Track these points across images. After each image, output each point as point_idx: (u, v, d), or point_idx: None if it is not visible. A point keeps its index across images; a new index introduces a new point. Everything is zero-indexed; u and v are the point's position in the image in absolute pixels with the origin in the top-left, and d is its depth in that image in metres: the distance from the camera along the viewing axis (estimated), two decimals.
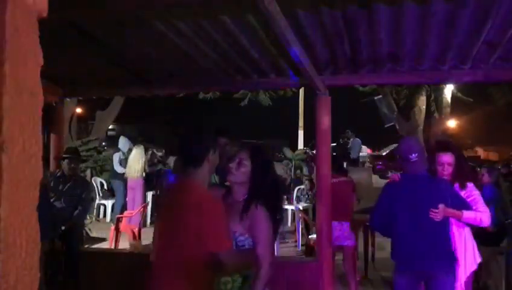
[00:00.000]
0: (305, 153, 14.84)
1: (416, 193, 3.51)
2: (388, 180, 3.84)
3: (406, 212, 3.50)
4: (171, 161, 11.96)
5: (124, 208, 9.58)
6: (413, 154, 3.50)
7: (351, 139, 19.15)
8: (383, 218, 3.63)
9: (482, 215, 3.59)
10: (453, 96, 12.18)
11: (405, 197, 3.52)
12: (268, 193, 2.49)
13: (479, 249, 4.13)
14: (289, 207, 9.20)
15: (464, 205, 3.57)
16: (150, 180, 9.97)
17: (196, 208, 2.32)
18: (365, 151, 19.36)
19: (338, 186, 5.16)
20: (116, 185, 10.00)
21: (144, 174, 9.36)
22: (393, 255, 3.62)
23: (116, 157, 10.04)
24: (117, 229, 7.16)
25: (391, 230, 3.60)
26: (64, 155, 5.27)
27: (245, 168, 2.53)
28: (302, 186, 9.89)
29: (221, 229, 2.29)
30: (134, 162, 9.34)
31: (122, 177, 9.74)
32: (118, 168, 9.87)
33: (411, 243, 3.46)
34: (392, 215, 3.56)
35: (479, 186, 6.28)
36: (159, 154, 13.45)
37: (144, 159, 9.38)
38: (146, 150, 10.21)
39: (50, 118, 5.45)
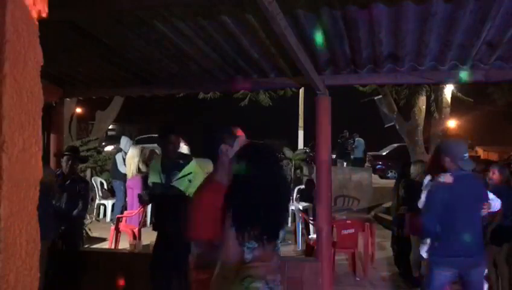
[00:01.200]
0: (305, 153, 14.84)
1: (469, 190, 3.70)
2: (436, 182, 3.80)
3: (460, 209, 3.65)
4: None
5: (124, 208, 9.57)
6: (466, 153, 3.70)
7: (356, 139, 19.21)
8: (435, 219, 3.67)
9: (496, 202, 3.98)
10: (453, 96, 12.17)
11: (460, 195, 3.65)
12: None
13: (488, 249, 4.23)
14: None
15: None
16: None
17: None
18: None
19: None
20: (117, 185, 9.99)
21: (138, 173, 9.33)
22: (439, 251, 3.69)
23: (119, 157, 10.03)
24: (117, 229, 7.16)
25: (442, 229, 3.67)
26: (63, 153, 5.27)
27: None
28: (302, 186, 9.88)
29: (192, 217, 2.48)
30: (129, 162, 9.33)
31: (123, 177, 9.73)
32: (122, 169, 9.85)
33: (462, 238, 3.61)
34: (448, 215, 3.64)
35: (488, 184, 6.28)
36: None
37: (138, 159, 9.35)
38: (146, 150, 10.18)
39: (50, 118, 5.45)
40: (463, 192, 3.65)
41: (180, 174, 4.28)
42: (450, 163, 3.67)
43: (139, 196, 4.68)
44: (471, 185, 3.74)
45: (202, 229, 2.37)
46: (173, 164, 4.31)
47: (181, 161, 4.34)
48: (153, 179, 4.40)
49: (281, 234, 2.28)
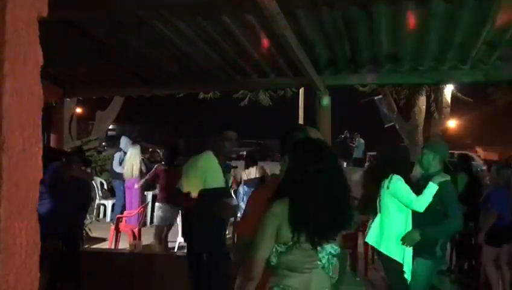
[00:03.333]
0: None
1: None
2: None
3: None
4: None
5: (124, 208, 9.57)
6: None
7: (357, 139, 19.26)
8: None
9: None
10: (453, 96, 12.17)
11: None
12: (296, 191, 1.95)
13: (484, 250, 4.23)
14: None
15: None
16: None
17: None
18: None
19: (169, 173, 6.41)
20: (116, 185, 9.98)
21: (139, 174, 9.32)
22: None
23: (117, 157, 10.02)
24: (117, 229, 7.15)
25: None
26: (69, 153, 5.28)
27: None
28: None
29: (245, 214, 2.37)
30: (129, 162, 9.33)
31: (122, 177, 9.74)
32: (117, 168, 9.85)
33: None
34: None
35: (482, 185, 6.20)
36: (161, 153, 13.42)
37: (138, 160, 9.35)
38: (147, 149, 10.17)
39: (50, 118, 5.45)
40: None
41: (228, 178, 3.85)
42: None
43: (228, 206, 3.63)
44: None
45: (246, 227, 2.21)
46: (225, 166, 3.69)
47: (232, 164, 3.95)
48: (217, 182, 3.57)
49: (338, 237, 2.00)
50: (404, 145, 4.31)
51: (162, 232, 6.46)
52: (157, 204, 6.64)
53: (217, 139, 3.61)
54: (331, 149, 2.18)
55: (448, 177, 3.62)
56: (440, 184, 3.54)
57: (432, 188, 3.54)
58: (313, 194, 1.92)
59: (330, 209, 1.93)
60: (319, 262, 1.92)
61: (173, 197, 6.01)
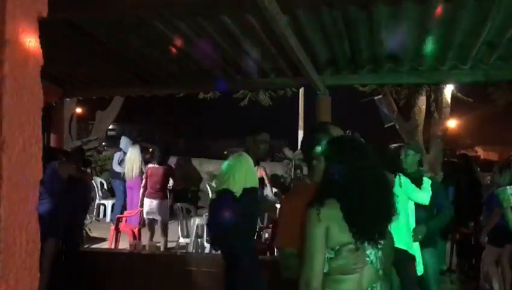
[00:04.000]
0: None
1: None
2: None
3: None
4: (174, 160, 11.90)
5: (124, 208, 9.56)
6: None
7: None
8: None
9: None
10: (453, 96, 12.15)
11: None
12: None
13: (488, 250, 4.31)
14: None
15: None
16: None
17: None
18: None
19: (154, 170, 7.02)
20: (116, 185, 9.98)
21: (139, 174, 9.31)
22: None
23: (116, 157, 10.03)
24: (117, 229, 7.15)
25: None
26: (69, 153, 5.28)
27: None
28: None
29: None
30: (130, 162, 9.32)
31: (122, 177, 9.73)
32: (117, 168, 9.85)
33: None
34: None
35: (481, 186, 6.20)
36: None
37: (138, 160, 9.34)
38: (147, 149, 10.17)
39: (50, 118, 5.45)
40: None
41: None
42: None
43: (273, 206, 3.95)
44: None
45: (288, 237, 2.12)
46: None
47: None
48: (254, 183, 3.60)
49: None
50: (395, 146, 4.60)
51: (152, 226, 7.09)
52: (145, 199, 7.13)
53: (251, 140, 3.64)
54: (362, 144, 2.13)
55: (431, 174, 4.07)
56: (430, 179, 4.03)
57: (428, 184, 3.97)
58: (364, 192, 1.88)
59: (379, 204, 1.91)
60: (367, 258, 1.89)
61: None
